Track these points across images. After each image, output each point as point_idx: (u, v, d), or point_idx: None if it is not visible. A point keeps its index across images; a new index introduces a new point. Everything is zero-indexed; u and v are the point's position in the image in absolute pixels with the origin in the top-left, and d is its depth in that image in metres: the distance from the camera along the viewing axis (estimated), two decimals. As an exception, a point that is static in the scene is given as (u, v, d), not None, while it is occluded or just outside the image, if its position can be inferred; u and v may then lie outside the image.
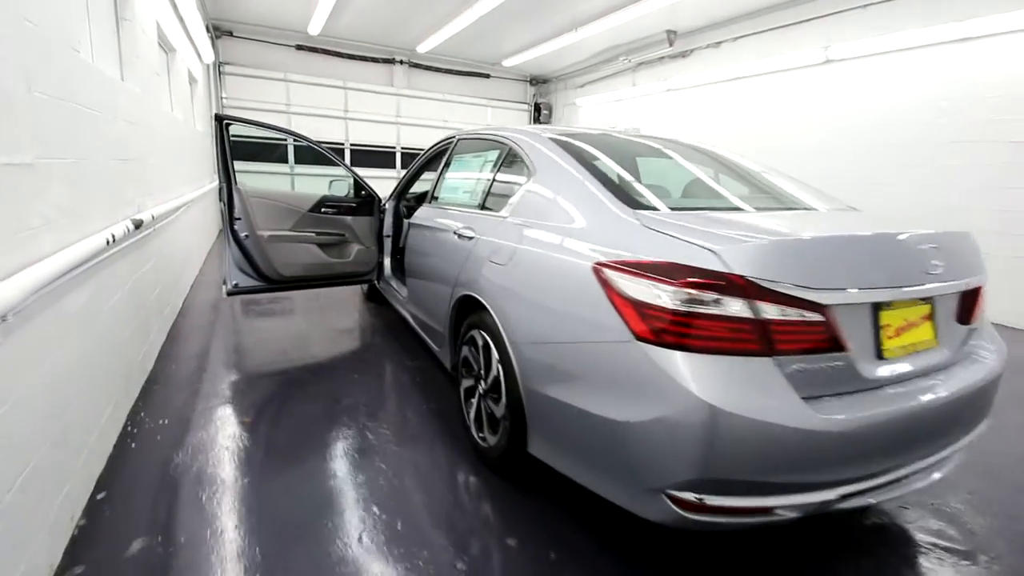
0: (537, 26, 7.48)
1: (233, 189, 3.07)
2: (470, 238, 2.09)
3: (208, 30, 7.40)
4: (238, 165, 3.09)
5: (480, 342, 1.95)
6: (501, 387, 1.79)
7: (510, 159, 2.18)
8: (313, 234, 3.45)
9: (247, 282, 3.24)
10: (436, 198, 2.84)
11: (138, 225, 2.32)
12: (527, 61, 9.27)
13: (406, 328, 3.70)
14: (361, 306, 4.36)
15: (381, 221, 3.79)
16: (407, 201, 3.99)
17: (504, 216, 1.97)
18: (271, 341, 3.39)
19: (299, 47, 8.72)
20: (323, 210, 3.50)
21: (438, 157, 3.31)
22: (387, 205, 3.84)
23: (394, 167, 9.92)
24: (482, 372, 1.96)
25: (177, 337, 3.36)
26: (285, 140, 8.69)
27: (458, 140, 2.82)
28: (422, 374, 2.89)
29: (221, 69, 8.26)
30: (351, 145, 9.44)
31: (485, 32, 7.76)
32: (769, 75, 6.54)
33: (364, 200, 3.69)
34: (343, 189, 3.70)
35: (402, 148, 9.95)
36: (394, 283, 3.67)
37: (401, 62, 9.49)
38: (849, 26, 5.56)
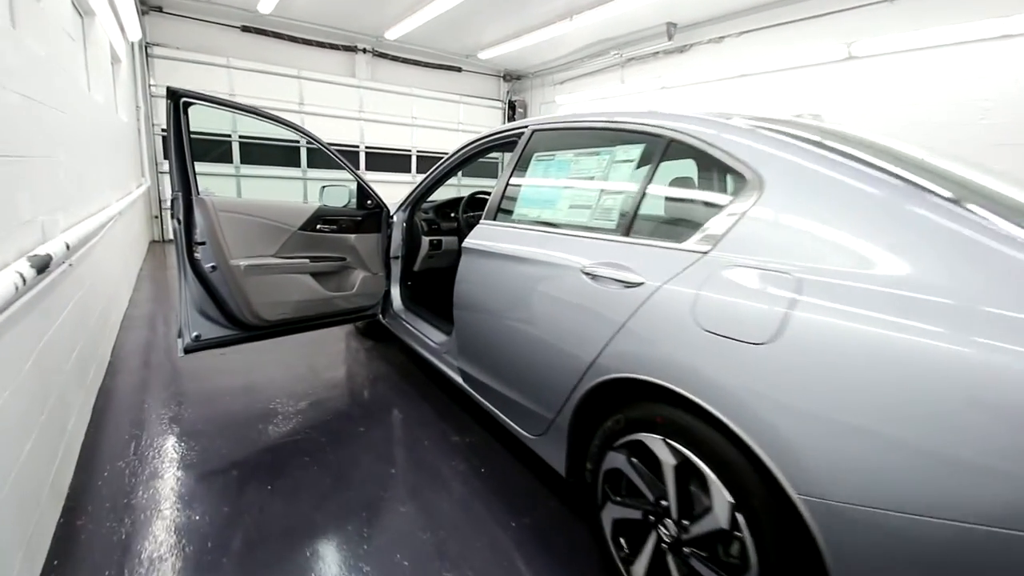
0: (525, 13, 6.73)
1: (194, 201, 2.10)
2: (634, 284, 1.29)
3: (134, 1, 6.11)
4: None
5: (669, 460, 1.18)
6: (748, 556, 1.02)
7: (680, 161, 1.42)
8: (306, 260, 2.52)
9: (214, 332, 2.28)
10: (506, 212, 2.02)
11: (42, 268, 1.36)
12: (506, 54, 8.51)
13: (430, 377, 2.83)
14: (354, 343, 3.42)
15: (389, 238, 2.91)
16: (426, 213, 3.11)
17: (702, 251, 1.20)
18: (240, 408, 2.43)
19: (245, 28, 7.51)
20: (318, 227, 2.58)
21: (476, 156, 2.49)
22: (395, 217, 2.96)
23: (358, 168, 8.84)
24: (671, 509, 1.19)
25: (106, 417, 2.32)
26: (242, 139, 7.46)
27: (534, 132, 2.01)
28: (484, 460, 2.06)
29: (149, 51, 6.93)
30: (308, 143, 8.28)
31: (465, 18, 6.93)
32: (781, 72, 6.13)
33: (371, 212, 2.79)
34: (340, 197, 2.79)
35: (367, 147, 8.90)
36: (409, 319, 2.80)
37: (364, 50, 8.45)
38: (874, 20, 5.20)
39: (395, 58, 8.83)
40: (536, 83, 9.99)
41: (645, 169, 1.47)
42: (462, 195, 3.27)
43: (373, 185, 2.79)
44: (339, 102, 8.46)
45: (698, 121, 1.38)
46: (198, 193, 2.12)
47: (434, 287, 3.29)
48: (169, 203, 2.11)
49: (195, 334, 2.22)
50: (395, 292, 3.06)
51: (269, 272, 2.35)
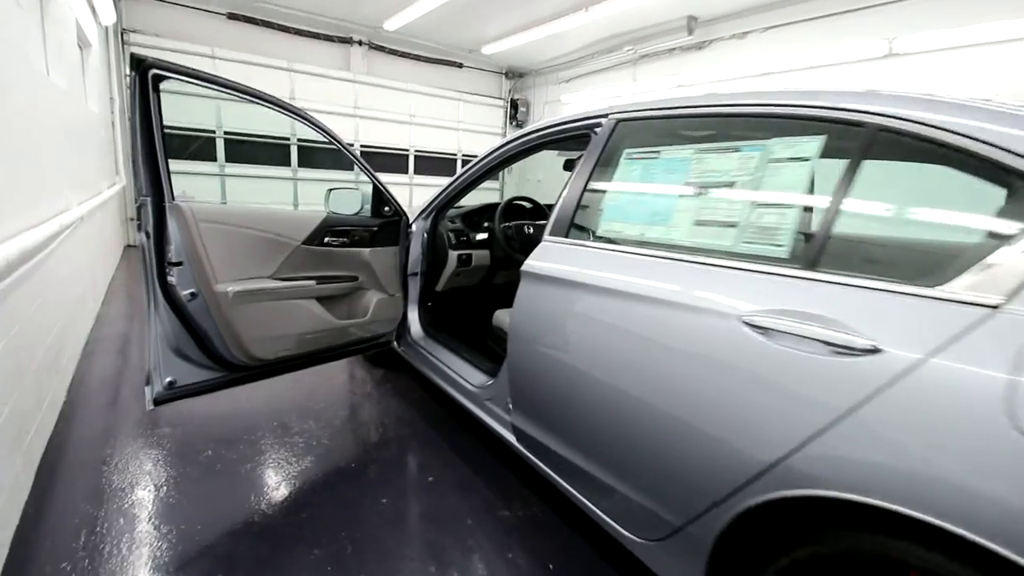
0: (537, 3, 6.27)
1: (167, 208, 1.60)
2: (858, 351, 0.83)
3: (106, -18, 5.53)
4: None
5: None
6: None
7: (892, 160, 0.96)
8: (312, 282, 2.02)
9: (193, 376, 1.78)
10: (583, 228, 1.54)
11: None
12: (510, 49, 8.04)
13: (458, 419, 2.34)
14: (360, 372, 2.92)
15: (407, 252, 2.42)
16: (452, 223, 2.62)
17: (990, 304, 0.74)
18: (225, 470, 1.92)
19: (232, 16, 6.94)
20: (326, 240, 2.09)
21: (525, 153, 2.02)
22: (413, 227, 2.48)
23: (352, 169, 8.31)
24: None
25: (53, 489, 1.80)
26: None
27: (619, 123, 1.54)
28: (550, 549, 1.58)
29: (125, 37, 6.34)
30: (299, 141, 7.73)
31: (471, 7, 6.45)
32: (810, 70, 5.75)
33: (388, 222, 2.30)
34: (351, 203, 2.29)
35: (362, 146, 8.36)
36: (431, 350, 2.32)
37: (360, 43, 7.93)
38: (919, 14, 4.83)
39: (392, 52, 8.31)
40: (539, 81, 9.54)
41: (834, 170, 1.00)
42: (488, 201, 2.78)
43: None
44: (332, 97, 7.92)
45: (947, 107, 0.91)
46: (173, 198, 1.62)
47: (462, 311, 2.81)
48: (136, 210, 1.60)
49: (168, 380, 1.72)
50: (413, 315, 2.57)
51: (266, 299, 1.85)
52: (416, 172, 8.93)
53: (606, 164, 1.56)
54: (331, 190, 2.35)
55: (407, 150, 8.85)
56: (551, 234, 1.61)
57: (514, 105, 9.66)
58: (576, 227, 1.56)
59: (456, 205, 2.51)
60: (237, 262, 1.79)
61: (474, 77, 9.37)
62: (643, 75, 7.69)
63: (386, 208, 2.28)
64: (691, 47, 6.93)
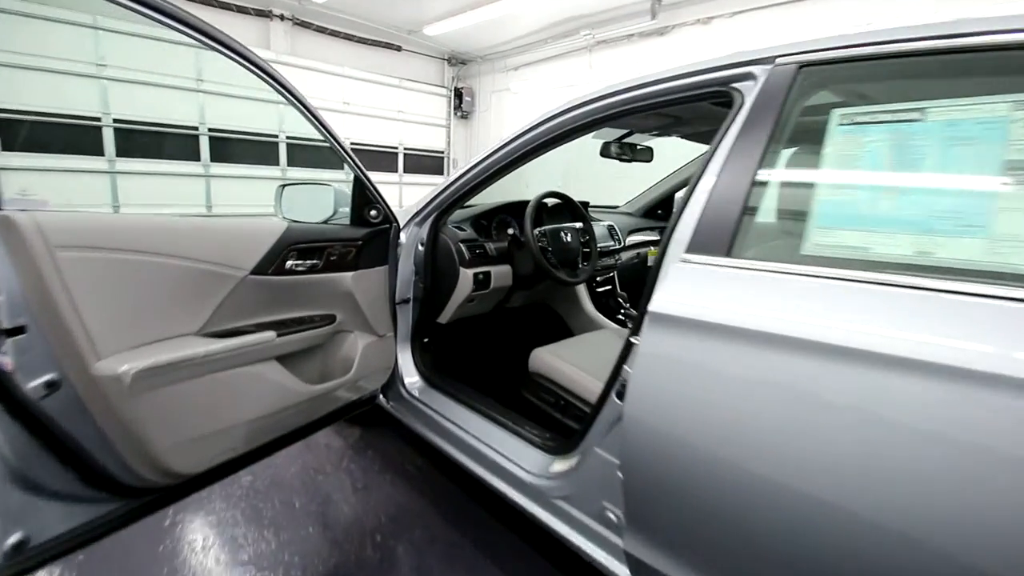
0: (492, -23, 5.61)
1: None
2: None
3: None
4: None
5: None
6: None
7: None
8: (270, 334, 1.27)
9: (62, 520, 0.99)
10: (764, 238, 0.94)
11: None
12: (455, 31, 7.32)
13: (488, 507, 1.66)
14: (331, 435, 2.14)
15: (395, 270, 1.72)
16: (461, 230, 1.92)
17: None
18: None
19: (117, -24, 5.66)
20: (289, 265, 1.34)
21: (585, 128, 1.41)
22: (403, 236, 1.78)
23: (277, 163, 7.23)
24: None
25: None
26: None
27: (802, 68, 0.95)
28: None
29: (-33, -5, 4.94)
30: (209, 131, 6.54)
31: (418, -21, 5.68)
32: (781, 58, 5.54)
33: (377, 230, 1.59)
34: (320, 206, 1.54)
35: (287, 137, 7.29)
36: (439, 408, 1.68)
37: (282, 17, 6.86)
38: (894, 1, 4.70)
39: (321, 29, 7.30)
40: (485, 69, 8.87)
41: None
42: (506, 200, 2.10)
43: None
44: (249, 80, 6.77)
45: None
46: (-4, 205, 0.83)
47: (475, 348, 2.14)
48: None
49: (16, 539, 0.93)
50: (405, 358, 1.87)
51: (192, 375, 1.09)
52: (333, 167, 7.98)
53: (789, 136, 0.96)
54: (284, 186, 1.59)
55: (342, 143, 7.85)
56: (690, 250, 1.00)
57: (458, 94, 8.93)
58: (746, 236, 0.95)
59: (465, 204, 1.82)
60: (137, 315, 1.01)
61: (415, 62, 8.52)
62: (599, 63, 7.26)
63: (372, 211, 1.56)
64: (652, 32, 6.57)
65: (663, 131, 1.93)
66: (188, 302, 1.11)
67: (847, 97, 0.95)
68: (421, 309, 1.85)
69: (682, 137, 2.06)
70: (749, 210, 0.95)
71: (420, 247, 1.82)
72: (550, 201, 2.07)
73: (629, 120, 1.79)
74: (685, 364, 0.93)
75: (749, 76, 1.06)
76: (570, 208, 2.08)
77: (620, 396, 1.20)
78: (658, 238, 2.76)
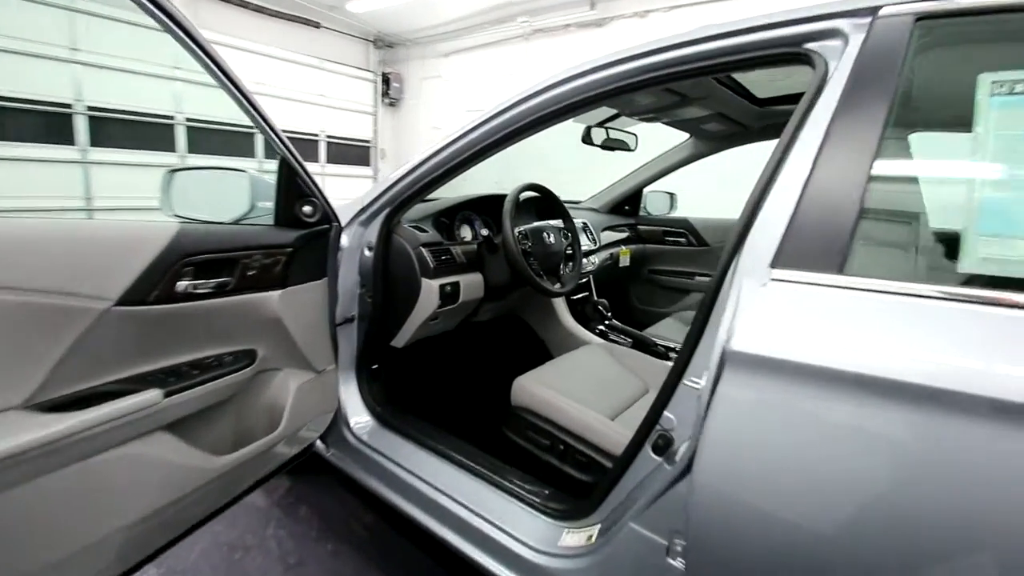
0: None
1: None
2: None
3: None
4: None
5: None
6: None
7: None
8: (152, 393, 0.84)
9: None
10: (898, 256, 0.68)
11: None
12: (381, 9, 6.76)
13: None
14: (264, 510, 1.69)
15: (335, 283, 1.34)
16: (422, 231, 1.53)
17: None
18: None
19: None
20: (182, 286, 0.91)
21: (591, 103, 1.11)
22: (345, 240, 1.39)
23: (174, 150, 6.31)
24: None
25: None
26: None
27: (919, 21, 0.70)
28: None
29: None
30: (89, 109, 5.53)
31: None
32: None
33: (314, 233, 1.18)
34: (227, 199, 1.11)
35: (188, 120, 6.38)
36: (393, 455, 1.35)
37: (178, -19, 5.94)
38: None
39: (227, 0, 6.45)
40: (415, 53, 8.33)
41: None
42: (469, 195, 1.74)
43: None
44: (140, 53, 5.83)
45: None
46: None
47: (437, 375, 1.79)
48: None
49: None
50: (349, 392, 1.49)
51: (16, 481, 0.66)
52: (268, 156, 7.16)
53: (915, 111, 0.71)
54: (175, 171, 1.15)
55: (253, 129, 7.03)
56: (780, 264, 0.72)
57: (386, 80, 8.34)
58: (868, 250, 0.68)
59: (426, 198, 1.45)
60: None
61: (337, 42, 7.81)
62: (535, 52, 7.01)
63: (307, 208, 1.16)
64: (590, 23, 6.41)
65: (660, 113, 1.67)
66: (5, 356, 0.68)
67: (995, 57, 0.71)
68: (370, 329, 1.47)
69: (670, 123, 1.83)
70: (869, 212, 0.69)
71: (367, 252, 1.43)
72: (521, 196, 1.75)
73: (629, 98, 1.50)
74: (803, 427, 0.65)
75: (834, 34, 0.80)
76: (551, 203, 1.77)
77: (660, 450, 0.92)
78: (627, 235, 2.53)
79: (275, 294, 1.08)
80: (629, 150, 1.99)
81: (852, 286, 0.66)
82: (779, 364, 0.66)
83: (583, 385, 1.40)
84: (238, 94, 1.00)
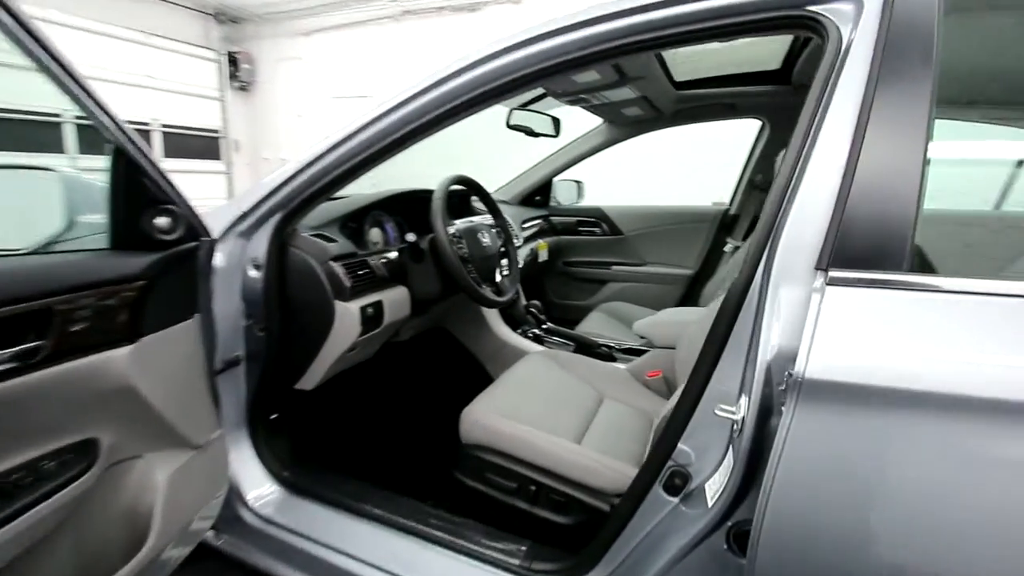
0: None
1: None
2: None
3: None
4: None
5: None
6: None
7: None
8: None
9: None
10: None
11: None
12: (223, -22, 5.84)
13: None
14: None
15: (210, 319, 0.99)
16: (328, 239, 1.19)
17: None
18: None
19: None
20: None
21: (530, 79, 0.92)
22: (219, 258, 1.04)
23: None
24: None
25: None
26: None
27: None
28: None
29: None
30: None
31: None
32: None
33: (176, 255, 0.83)
34: (32, 214, 0.72)
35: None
36: (314, 533, 1.06)
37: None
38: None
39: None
40: (267, 31, 7.38)
41: None
42: (393, 189, 1.43)
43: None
44: None
45: None
46: None
47: (365, 415, 1.48)
48: None
49: None
50: (240, 458, 1.15)
51: None
52: (82, 152, 5.84)
53: (964, 81, 0.62)
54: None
55: (59, 116, 5.69)
56: (837, 264, 0.59)
57: (233, 61, 7.29)
58: (939, 243, 0.58)
59: (333, 196, 1.14)
60: None
61: (169, 15, 6.62)
62: (409, 35, 6.60)
63: (161, 219, 0.80)
64: (463, 8, 6.18)
65: (591, 94, 1.51)
66: None
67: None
68: (265, 371, 1.12)
69: (588, 108, 1.69)
70: (934, 198, 0.58)
71: (253, 272, 1.08)
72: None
73: (573, 75, 1.32)
74: (934, 476, 0.53)
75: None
76: (481, 197, 1.53)
77: (674, 490, 0.77)
78: (540, 227, 2.39)
79: (121, 352, 0.72)
80: (554, 136, 1.84)
81: (938, 287, 0.55)
82: (884, 394, 0.53)
83: (540, 406, 1.22)
84: (44, 56, 0.63)
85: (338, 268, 1.10)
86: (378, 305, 1.17)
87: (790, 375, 0.57)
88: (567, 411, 1.24)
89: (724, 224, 2.27)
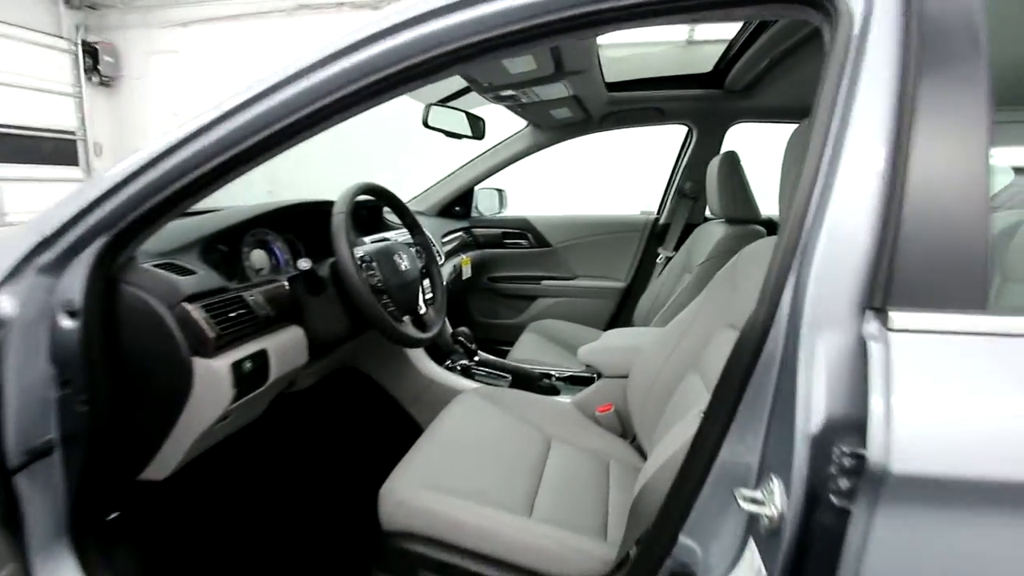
0: None
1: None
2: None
3: None
4: None
5: None
6: None
7: None
8: None
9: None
10: None
11: None
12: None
13: None
14: None
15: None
16: (183, 272, 0.86)
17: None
18: None
19: None
20: None
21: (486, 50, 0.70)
22: (7, 304, 0.71)
23: None
24: None
25: None
26: None
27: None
28: None
29: None
30: None
31: None
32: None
33: None
34: None
35: None
36: None
37: None
38: None
39: None
40: (134, 20, 6.46)
41: None
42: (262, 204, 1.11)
43: None
44: None
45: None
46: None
47: (245, 504, 1.14)
48: None
49: None
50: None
51: None
52: None
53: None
54: None
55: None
56: (904, 302, 0.43)
57: (92, 52, 6.30)
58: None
59: (189, 211, 0.83)
60: None
61: (-2, -6, 5.53)
62: (303, 30, 6.10)
63: None
64: (365, 5, 5.82)
65: (520, 88, 1.31)
66: None
67: None
68: (91, 458, 0.79)
69: (512, 108, 1.50)
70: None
71: (68, 322, 0.75)
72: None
73: (505, 64, 1.10)
74: None
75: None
76: (396, 209, 1.27)
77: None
78: (460, 241, 2.16)
79: None
80: (479, 138, 1.62)
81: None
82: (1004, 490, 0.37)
83: (477, 465, 0.99)
84: None
85: (196, 312, 0.79)
86: (260, 356, 0.87)
87: (859, 457, 0.40)
88: (511, 467, 1.02)
89: (655, 233, 2.19)
